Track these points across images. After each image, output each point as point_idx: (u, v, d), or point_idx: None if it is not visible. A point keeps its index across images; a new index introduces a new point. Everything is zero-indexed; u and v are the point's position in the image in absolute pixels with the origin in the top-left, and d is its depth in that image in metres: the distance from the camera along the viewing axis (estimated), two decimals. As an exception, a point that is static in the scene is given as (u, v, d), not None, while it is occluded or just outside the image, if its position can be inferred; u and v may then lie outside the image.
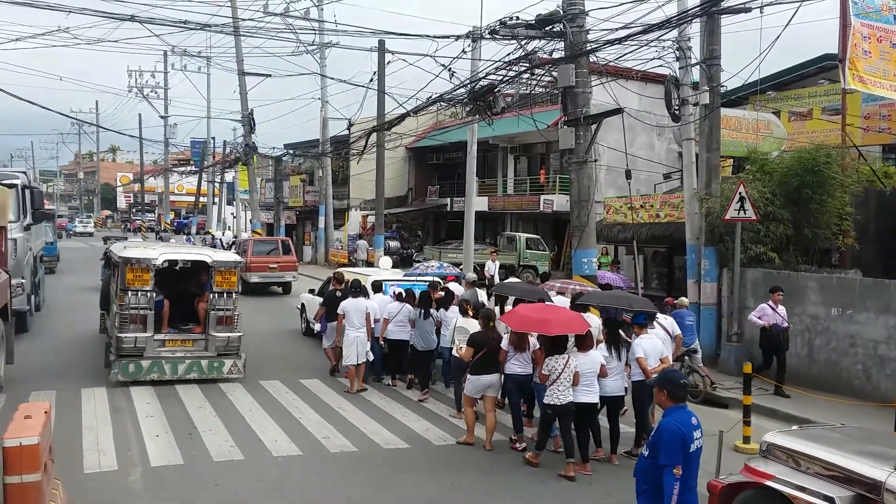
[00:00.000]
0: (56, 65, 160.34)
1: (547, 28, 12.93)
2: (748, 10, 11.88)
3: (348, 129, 32.49)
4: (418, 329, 11.73)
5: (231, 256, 13.23)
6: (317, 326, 13.83)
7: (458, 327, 10.38)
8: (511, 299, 11.74)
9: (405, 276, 15.35)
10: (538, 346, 8.97)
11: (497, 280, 11.75)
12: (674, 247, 16.53)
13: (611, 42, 12.68)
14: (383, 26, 59.46)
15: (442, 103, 20.72)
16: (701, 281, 14.42)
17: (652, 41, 12.96)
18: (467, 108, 19.09)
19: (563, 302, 11.44)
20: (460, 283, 14.53)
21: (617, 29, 12.77)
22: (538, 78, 15.72)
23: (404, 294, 12.27)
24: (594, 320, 9.96)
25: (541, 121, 18.90)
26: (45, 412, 6.74)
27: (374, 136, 25.21)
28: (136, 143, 61.93)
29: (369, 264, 27.58)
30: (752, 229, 13.76)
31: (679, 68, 14.33)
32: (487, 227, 34.83)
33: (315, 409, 10.60)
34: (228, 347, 12.12)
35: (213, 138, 52.33)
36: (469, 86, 16.57)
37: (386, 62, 25.22)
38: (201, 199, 55.38)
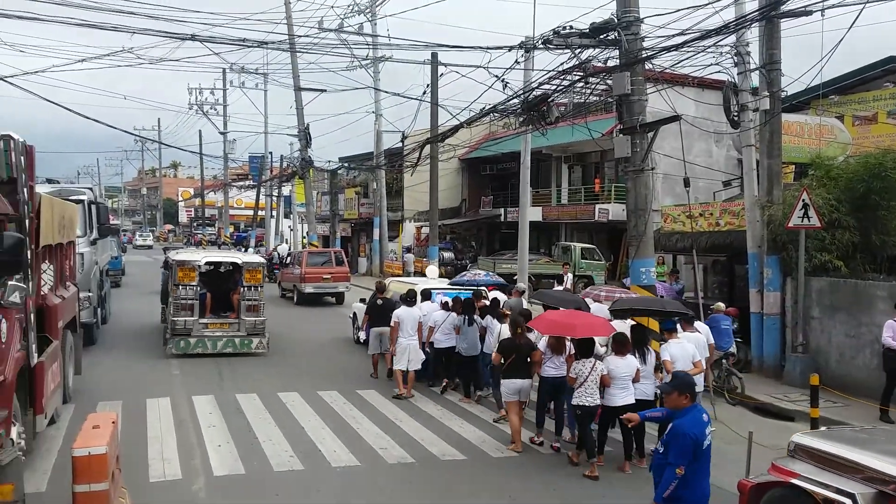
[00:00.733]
0: (119, 84, 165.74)
1: (601, 36, 12.78)
2: (809, 12, 11.58)
3: (402, 141, 32.76)
4: (463, 335, 12.11)
5: (256, 258, 17.41)
6: (362, 335, 14.17)
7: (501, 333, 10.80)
8: None
9: (451, 284, 15.71)
10: (573, 350, 9.26)
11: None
12: (734, 255, 16.16)
13: (667, 49, 12.47)
14: (436, 39, 59.81)
15: (495, 114, 20.71)
16: (764, 290, 14.07)
17: (709, 47, 12.71)
18: (521, 119, 19.04)
19: (601, 308, 11.67)
20: (505, 292, 14.64)
21: (673, 35, 12.56)
22: (592, 87, 15.58)
23: (450, 303, 12.65)
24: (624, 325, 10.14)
25: (595, 129, 18.76)
26: (113, 422, 6.93)
27: (427, 148, 25.33)
28: (197, 159, 63.64)
29: (421, 275, 27.76)
30: (817, 237, 13.37)
31: (738, 74, 14.04)
32: (542, 237, 34.62)
33: (372, 420, 10.66)
34: (256, 328, 15.72)
35: (271, 153, 53.27)
36: (522, 96, 16.52)
37: (439, 74, 25.37)
38: (259, 212, 56.41)
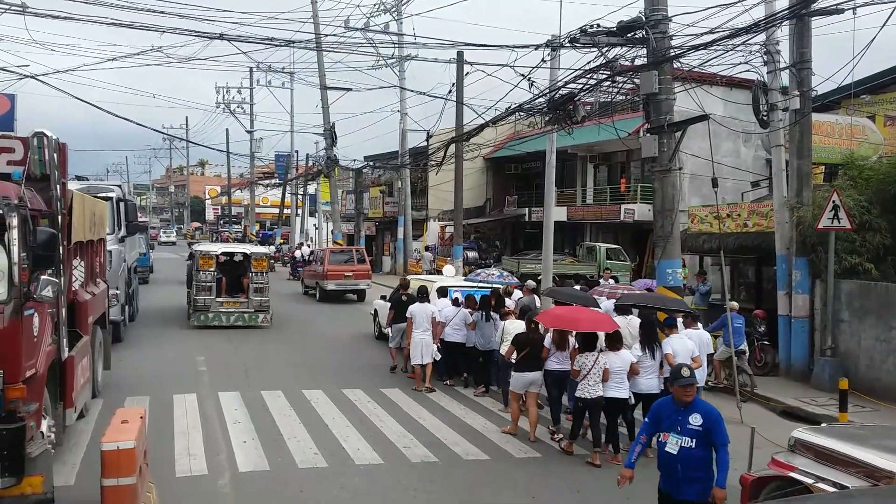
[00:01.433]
0: (148, 82, 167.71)
1: (629, 35, 12.69)
2: (840, 11, 11.41)
3: (427, 140, 32.78)
4: (479, 330, 12.52)
5: (262, 250, 22.07)
6: (387, 329, 14.53)
7: (506, 329, 11.28)
8: None
9: (465, 281, 16.26)
10: (577, 345, 9.63)
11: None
12: (762, 257, 15.97)
13: (695, 47, 12.36)
14: (462, 38, 59.78)
15: (520, 113, 20.66)
16: (792, 293, 13.89)
17: (738, 45, 12.57)
18: (546, 118, 18.97)
19: (610, 305, 12.22)
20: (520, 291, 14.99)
21: (702, 34, 12.45)
22: (619, 85, 15.48)
23: (461, 299, 13.27)
24: (633, 321, 10.66)
25: (621, 129, 18.59)
26: (141, 417, 7.02)
27: (452, 147, 25.33)
28: (224, 157, 64.10)
29: (439, 273, 27.88)
30: (847, 239, 13.18)
31: (767, 73, 13.86)
32: (566, 236, 34.45)
33: (395, 418, 10.69)
34: (262, 306, 19.41)
35: (297, 151, 53.63)
36: (548, 95, 16.46)
37: (465, 73, 25.32)
38: (285, 210, 56.78)
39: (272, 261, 34.08)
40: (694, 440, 5.71)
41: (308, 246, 44.38)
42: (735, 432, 6.58)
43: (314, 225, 54.04)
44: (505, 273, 18.64)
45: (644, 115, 13.35)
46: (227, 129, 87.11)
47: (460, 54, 25.26)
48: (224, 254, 20.46)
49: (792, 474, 6.23)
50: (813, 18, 12.89)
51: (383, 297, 17.73)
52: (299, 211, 53.46)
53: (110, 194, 15.72)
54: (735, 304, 13.43)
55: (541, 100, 16.85)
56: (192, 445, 9.11)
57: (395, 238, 39.40)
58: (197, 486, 7.84)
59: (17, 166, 7.58)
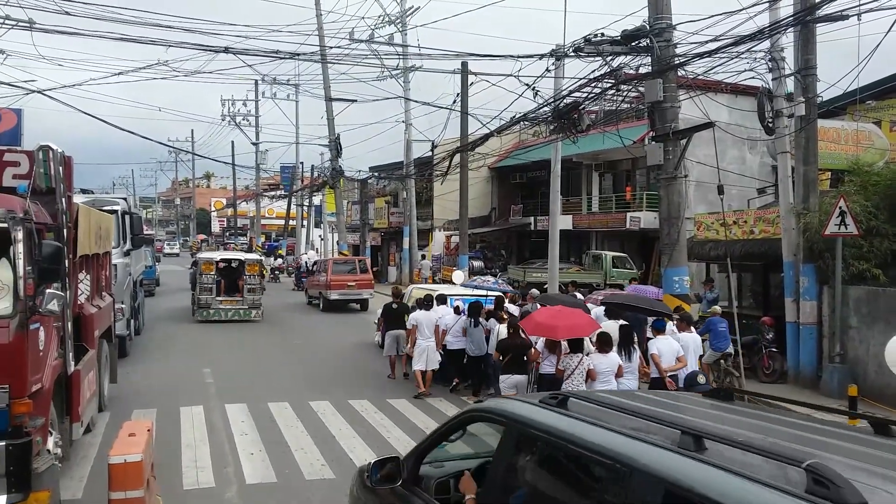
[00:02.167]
0: (154, 95, 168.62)
1: (633, 43, 12.72)
2: (845, 17, 11.42)
3: (432, 150, 32.82)
4: (469, 336, 12.85)
5: (254, 256, 26.25)
6: (377, 338, 14.71)
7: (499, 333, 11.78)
8: None
9: (461, 289, 16.57)
10: (569, 349, 9.99)
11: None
12: (769, 264, 15.91)
13: (700, 55, 12.37)
14: (466, 48, 59.96)
15: (525, 122, 20.68)
16: (800, 299, 13.82)
17: (743, 53, 12.57)
18: (551, 127, 18.99)
19: (601, 312, 12.52)
20: (515, 302, 15.19)
21: (706, 42, 12.46)
22: (624, 94, 15.50)
23: (461, 307, 13.58)
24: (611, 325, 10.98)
25: (627, 137, 18.63)
26: (148, 430, 6.99)
27: (457, 157, 25.37)
28: (230, 170, 64.31)
29: (445, 282, 27.97)
30: (855, 245, 13.11)
31: (772, 79, 13.85)
32: (572, 245, 34.42)
33: (402, 429, 10.65)
34: (254, 304, 23.07)
35: (302, 163, 53.77)
36: (553, 104, 16.48)
37: (469, 83, 25.40)
38: (290, 222, 56.89)
39: (277, 271, 39.24)
40: None
41: (316, 252, 44.46)
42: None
43: (320, 236, 54.12)
44: (499, 281, 19.07)
45: (649, 123, 13.36)
46: (232, 142, 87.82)
47: (465, 64, 25.34)
48: (222, 260, 24.30)
49: None
50: (817, 25, 12.88)
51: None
52: (305, 222, 53.57)
53: (115, 207, 15.63)
54: (718, 309, 13.86)
55: (545, 109, 16.88)
56: (199, 457, 9.09)
57: (400, 248, 39.42)
58: (204, 499, 7.81)
59: (23, 180, 7.54)
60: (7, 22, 17.25)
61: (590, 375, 9.42)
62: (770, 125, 14.07)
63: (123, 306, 15.39)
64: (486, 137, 22.23)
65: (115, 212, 15.26)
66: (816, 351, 13.67)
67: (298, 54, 20.72)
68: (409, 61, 31.90)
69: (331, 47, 31.17)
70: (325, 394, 12.72)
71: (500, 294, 14.56)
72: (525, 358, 10.56)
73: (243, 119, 55.86)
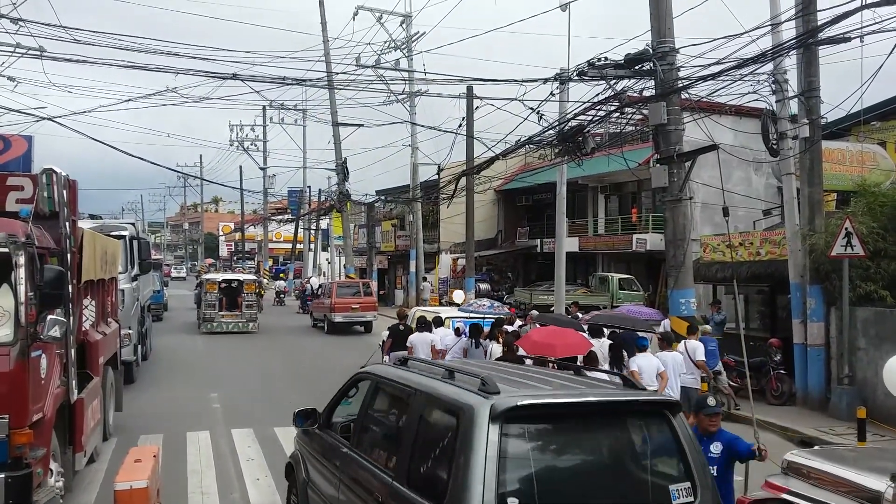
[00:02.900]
0: (162, 120, 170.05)
1: (636, 67, 12.80)
2: (848, 39, 11.45)
3: (438, 173, 32.98)
4: (470, 356, 12.85)
5: (251, 277, 29.96)
6: (386, 359, 14.84)
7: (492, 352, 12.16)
8: None
9: (459, 311, 16.89)
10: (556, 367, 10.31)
11: (683, 345, 12.41)
12: (776, 285, 15.87)
13: (703, 78, 12.44)
14: (471, 73, 60.37)
15: (530, 146, 20.76)
16: (807, 321, 13.76)
17: (746, 75, 12.64)
18: (556, 150, 19.07)
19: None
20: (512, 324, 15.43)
21: (709, 65, 12.53)
22: (628, 117, 15.57)
23: (461, 328, 13.84)
24: (606, 343, 11.53)
25: (632, 159, 18.69)
26: (154, 456, 7.00)
27: (463, 180, 25.47)
28: (238, 194, 64.70)
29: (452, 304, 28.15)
30: (861, 266, 13.08)
31: (776, 102, 13.90)
32: (578, 267, 34.39)
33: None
34: (252, 317, 26.98)
35: (309, 187, 54.07)
36: (558, 127, 16.57)
37: (474, 107, 25.55)
38: (298, 245, 57.07)
39: (282, 294, 42.99)
40: (715, 468, 5.75)
41: (320, 277, 44.60)
42: (752, 462, 6.55)
43: (327, 259, 54.26)
44: (496, 304, 19.46)
45: (653, 145, 13.40)
46: (240, 167, 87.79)
47: (470, 89, 25.51)
48: (224, 280, 28.15)
49: (784, 496, 6.45)
50: (820, 47, 12.95)
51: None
52: (312, 246, 53.71)
53: (123, 232, 15.61)
54: (708, 328, 14.13)
55: (550, 132, 16.96)
56: (205, 483, 9.07)
57: (407, 271, 39.45)
58: (210, 525, 7.79)
59: (26, 204, 7.44)
60: (18, 50, 17.50)
61: None
62: (774, 147, 14.10)
63: (131, 332, 15.37)
64: (491, 160, 22.32)
65: (123, 237, 15.27)
66: (825, 373, 13.59)
67: (305, 80, 20.94)
68: (414, 86, 32.16)
69: (337, 73, 31.48)
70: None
71: (500, 317, 14.84)
72: None
73: (251, 144, 56.35)
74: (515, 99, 16.98)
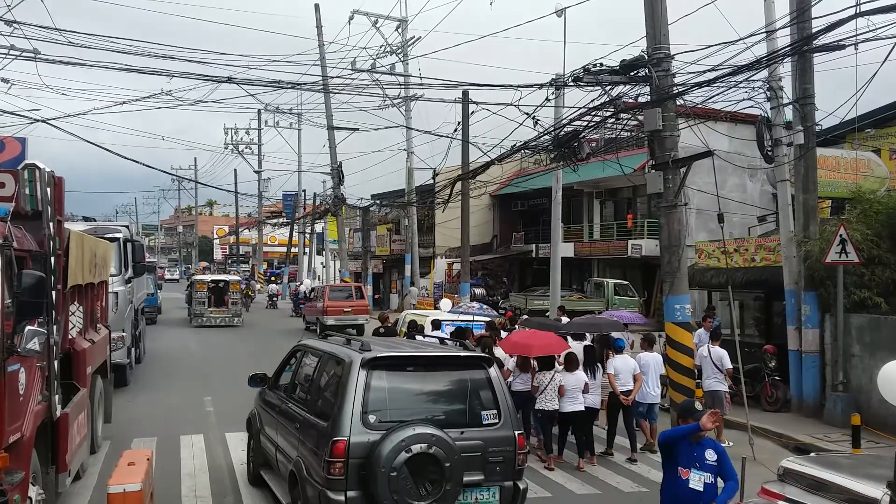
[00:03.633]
0: (156, 123, 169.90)
1: (632, 73, 12.80)
2: (842, 47, 11.49)
3: (433, 178, 32.95)
4: None
5: (236, 277, 34.32)
6: None
7: None
8: None
9: (449, 314, 17.09)
10: (537, 367, 10.89)
11: (706, 350, 12.56)
12: (771, 292, 15.90)
13: (699, 84, 12.46)
14: (467, 78, 60.54)
15: (526, 151, 20.77)
16: (802, 327, 13.80)
17: (741, 82, 12.67)
18: (552, 155, 19.08)
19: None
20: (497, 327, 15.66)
21: (704, 71, 12.55)
22: (624, 122, 15.59)
23: (455, 333, 13.66)
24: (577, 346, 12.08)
25: (627, 165, 18.71)
26: (148, 459, 6.96)
27: (458, 185, 25.47)
28: (232, 198, 64.56)
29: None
30: (856, 273, 13.12)
31: (771, 108, 13.95)
32: (573, 272, 34.45)
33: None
34: (236, 313, 30.69)
35: (304, 191, 54.04)
36: (553, 133, 16.58)
37: (470, 112, 25.57)
38: (293, 249, 57.00)
39: (274, 297, 44.51)
40: (713, 476, 5.76)
41: (311, 280, 44.67)
42: (749, 469, 6.54)
43: (322, 263, 54.20)
44: (484, 307, 19.78)
45: (649, 151, 13.42)
46: (235, 170, 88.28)
47: (465, 94, 25.52)
48: (212, 281, 31.91)
49: (780, 502, 6.49)
50: (815, 55, 13.00)
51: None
52: (307, 249, 53.65)
53: (117, 235, 15.45)
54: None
55: (546, 137, 16.96)
56: (198, 487, 9.03)
57: (402, 276, 39.45)
58: (203, 530, 7.75)
59: (5, 202, 6.74)
60: (12, 52, 17.45)
61: (560, 391, 10.38)
62: (769, 153, 14.15)
63: (125, 334, 15.31)
64: (487, 165, 22.33)
65: (116, 240, 15.14)
66: (819, 379, 13.61)
67: (301, 84, 20.91)
68: (410, 90, 32.18)
69: (333, 77, 31.45)
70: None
71: (491, 320, 15.14)
72: None
73: (246, 147, 56.33)
74: (511, 104, 16.96)
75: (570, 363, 10.60)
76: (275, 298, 45.22)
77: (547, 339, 11.07)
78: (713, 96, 13.21)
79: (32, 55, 17.20)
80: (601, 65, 12.98)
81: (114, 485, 6.25)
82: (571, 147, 15.74)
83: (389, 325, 15.66)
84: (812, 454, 8.22)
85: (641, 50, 12.58)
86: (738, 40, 12.33)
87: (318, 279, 49.86)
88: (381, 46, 31.97)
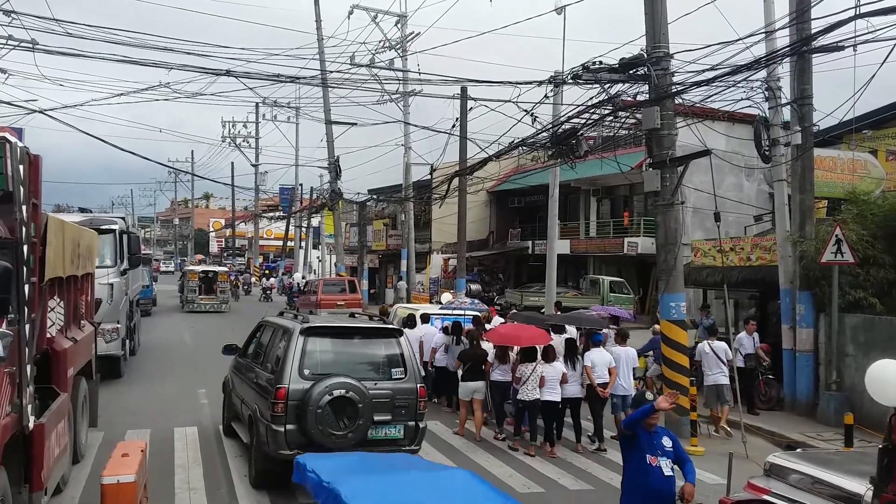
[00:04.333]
0: (153, 115, 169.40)
1: (631, 71, 12.81)
2: (841, 48, 11.51)
3: (431, 174, 32.95)
4: (450, 353, 13.50)
5: (223, 269, 39.01)
6: None
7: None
8: None
9: (441, 309, 17.53)
10: (518, 358, 11.44)
11: (707, 346, 13.07)
12: (766, 291, 15.94)
13: (697, 84, 12.48)
14: (465, 74, 60.40)
15: (524, 147, 20.77)
16: (796, 327, 13.84)
17: (740, 82, 12.69)
18: (549, 152, 19.08)
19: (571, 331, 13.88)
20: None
21: (703, 70, 12.57)
22: (622, 121, 15.60)
23: (450, 327, 14.10)
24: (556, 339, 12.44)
25: (624, 163, 18.70)
26: (142, 451, 6.94)
27: (456, 181, 25.46)
28: (229, 191, 64.47)
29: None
30: (851, 273, 13.16)
31: (769, 108, 13.97)
32: (569, 270, 34.48)
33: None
34: (224, 301, 33.95)
35: (301, 185, 53.91)
36: (551, 130, 16.58)
37: (468, 108, 25.53)
38: (289, 243, 56.92)
39: (268, 290, 45.45)
40: (670, 462, 5.93)
41: (306, 276, 44.84)
42: (741, 466, 6.58)
43: (318, 257, 54.14)
44: (476, 301, 20.07)
45: (646, 149, 13.43)
46: (232, 163, 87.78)
47: (464, 90, 25.49)
48: (203, 271, 35.63)
49: (766, 497, 6.61)
50: (814, 55, 13.02)
51: None
52: (303, 243, 53.59)
53: (113, 226, 15.40)
54: (657, 327, 14.44)
55: (544, 134, 16.96)
56: (192, 479, 9.04)
57: (398, 271, 39.44)
58: (197, 521, 7.76)
59: None
60: (10, 42, 17.39)
61: (541, 382, 10.84)
62: (767, 153, 14.17)
63: (119, 326, 15.29)
64: (484, 162, 22.33)
65: (112, 231, 15.13)
66: (813, 378, 13.67)
67: (299, 78, 20.88)
68: (409, 86, 32.10)
69: (331, 71, 31.41)
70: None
71: (478, 314, 15.63)
72: (483, 367, 11.89)
73: (243, 140, 56.14)
74: (510, 101, 16.95)
75: (548, 355, 11.09)
76: (269, 292, 45.26)
77: (531, 331, 11.66)
78: (711, 95, 13.27)
79: (30, 45, 17.15)
80: (600, 63, 12.98)
81: (108, 475, 6.24)
82: (569, 144, 15.76)
83: (387, 319, 15.72)
84: (798, 450, 8.35)
85: (641, 48, 12.59)
86: (737, 40, 12.35)
87: (314, 273, 49.82)
88: (380, 41, 31.89)
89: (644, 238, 28.70)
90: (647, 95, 12.78)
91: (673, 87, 12.58)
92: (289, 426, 8.00)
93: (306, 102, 59.58)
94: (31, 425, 6.29)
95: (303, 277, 39.89)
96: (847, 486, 6.01)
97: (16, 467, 6.15)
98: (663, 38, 12.32)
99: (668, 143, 12.45)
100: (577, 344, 12.81)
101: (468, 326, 13.98)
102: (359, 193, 42.82)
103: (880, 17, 10.15)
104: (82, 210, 18.63)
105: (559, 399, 11.03)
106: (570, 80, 13.91)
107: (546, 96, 17.02)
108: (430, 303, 32.63)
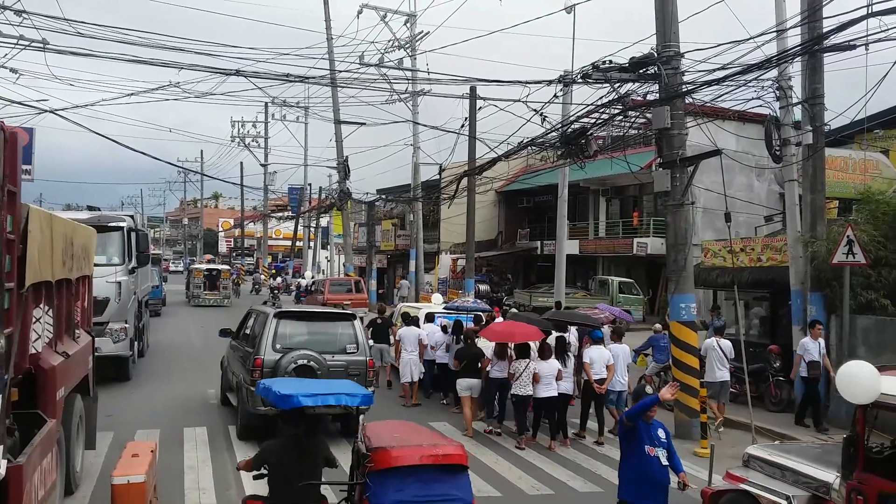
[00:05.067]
0: (163, 115, 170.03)
1: (641, 71, 12.75)
2: (853, 47, 11.42)
3: (439, 174, 32.93)
4: (451, 351, 13.90)
5: (225, 267, 44.26)
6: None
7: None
8: None
9: (444, 308, 17.92)
10: (514, 355, 11.85)
11: (715, 343, 13.21)
12: (777, 292, 15.84)
13: (707, 83, 12.41)
14: (475, 73, 60.35)
15: (533, 147, 20.72)
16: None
17: (751, 81, 12.61)
18: (559, 152, 19.03)
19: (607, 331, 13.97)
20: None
21: (714, 70, 12.50)
22: (632, 120, 15.54)
23: (449, 326, 14.80)
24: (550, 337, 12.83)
25: (634, 163, 18.63)
26: (152, 451, 6.95)
27: (464, 181, 25.42)
28: (238, 190, 64.57)
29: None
30: (863, 274, 13.06)
31: (780, 108, 13.88)
32: (578, 270, 34.39)
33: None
34: (227, 296, 37.76)
35: (310, 185, 53.98)
36: (560, 129, 16.53)
37: (477, 108, 25.49)
38: (297, 243, 57.02)
39: (276, 290, 45.00)
40: (665, 451, 6.24)
41: (319, 274, 45.05)
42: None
43: (326, 257, 54.19)
44: (479, 302, 20.33)
45: (656, 149, 13.37)
46: (241, 163, 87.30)
47: (473, 89, 25.45)
48: (207, 269, 39.17)
49: (743, 486, 6.97)
50: (825, 54, 12.93)
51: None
52: (312, 243, 53.67)
53: (121, 224, 15.20)
54: (659, 326, 15.29)
55: (553, 134, 16.92)
56: (201, 479, 9.05)
57: (406, 271, 39.43)
58: (206, 522, 7.76)
59: None
60: (21, 42, 17.48)
61: (534, 378, 11.23)
62: (777, 153, 14.08)
63: (127, 326, 15.20)
64: (493, 161, 22.29)
65: (121, 228, 14.99)
66: (825, 380, 13.56)
67: (309, 77, 20.91)
68: (418, 86, 32.10)
69: (341, 71, 31.44)
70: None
71: (479, 313, 16.09)
72: (479, 364, 12.35)
73: (252, 140, 56.22)
74: (519, 100, 16.90)
75: (543, 352, 11.53)
76: (276, 291, 45.34)
77: (525, 329, 12.04)
78: (722, 95, 13.18)
79: (41, 45, 17.23)
80: (610, 62, 12.94)
81: (118, 476, 6.26)
82: (579, 144, 15.70)
83: (385, 315, 16.41)
84: (776, 442, 8.88)
85: (651, 47, 12.54)
86: (748, 39, 12.28)
87: (322, 273, 49.87)
88: (389, 41, 31.89)
89: (654, 238, 28.60)
90: (658, 95, 12.73)
91: (683, 86, 12.52)
92: None
93: (315, 102, 59.83)
94: (2, 470, 4.93)
95: (312, 277, 40.67)
96: (818, 476, 6.47)
97: None
98: (674, 37, 12.27)
99: (678, 142, 12.39)
100: (575, 341, 13.63)
101: (469, 325, 14.41)
102: (367, 193, 42.90)
103: (893, 15, 10.06)
104: (91, 208, 18.60)
105: (556, 394, 11.35)
106: (580, 80, 13.86)
107: (555, 96, 16.99)
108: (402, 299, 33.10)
